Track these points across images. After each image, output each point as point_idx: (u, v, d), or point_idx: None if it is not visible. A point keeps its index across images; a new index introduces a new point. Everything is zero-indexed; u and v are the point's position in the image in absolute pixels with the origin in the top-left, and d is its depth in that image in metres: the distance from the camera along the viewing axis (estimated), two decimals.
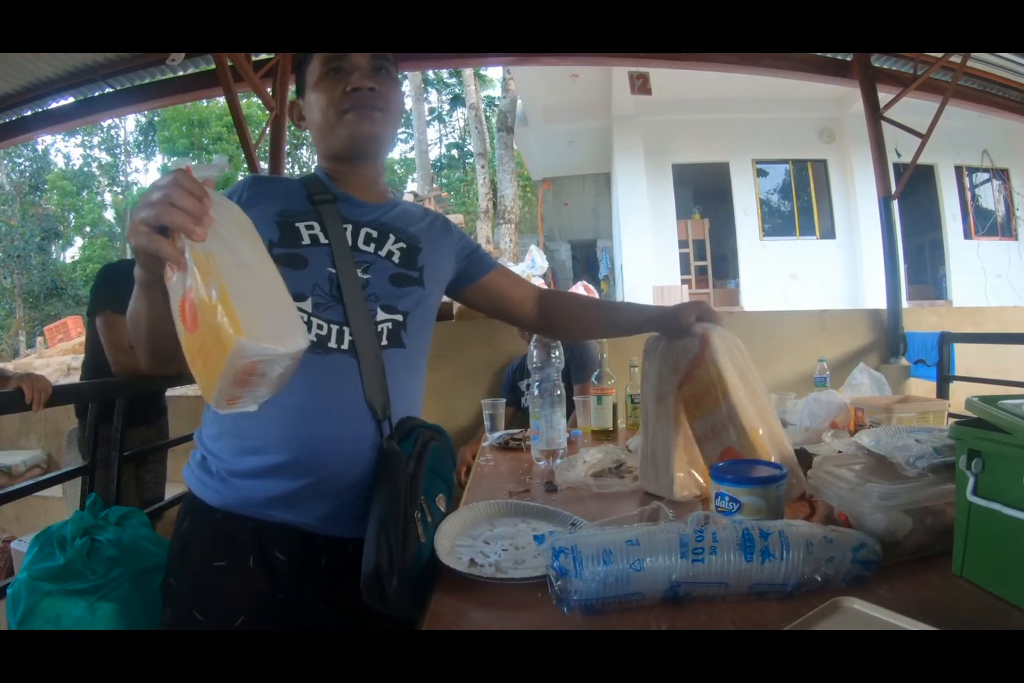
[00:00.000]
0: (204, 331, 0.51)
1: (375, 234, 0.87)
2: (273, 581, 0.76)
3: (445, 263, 0.96)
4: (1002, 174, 7.72)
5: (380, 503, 0.70)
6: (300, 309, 0.77)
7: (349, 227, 0.85)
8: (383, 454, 0.76)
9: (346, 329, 0.79)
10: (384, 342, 0.82)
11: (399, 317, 0.85)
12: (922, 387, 2.59)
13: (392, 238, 0.88)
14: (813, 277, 7.41)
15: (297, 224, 0.83)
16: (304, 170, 22.18)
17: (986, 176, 7.81)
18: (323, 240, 0.82)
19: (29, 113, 3.35)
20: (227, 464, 0.78)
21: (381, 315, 0.83)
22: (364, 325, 0.80)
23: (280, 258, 0.78)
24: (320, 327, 0.78)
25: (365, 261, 0.84)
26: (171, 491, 1.84)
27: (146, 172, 22.54)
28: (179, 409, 2.77)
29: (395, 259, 0.87)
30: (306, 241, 0.82)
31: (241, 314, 0.50)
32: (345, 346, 0.78)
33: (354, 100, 0.82)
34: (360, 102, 0.82)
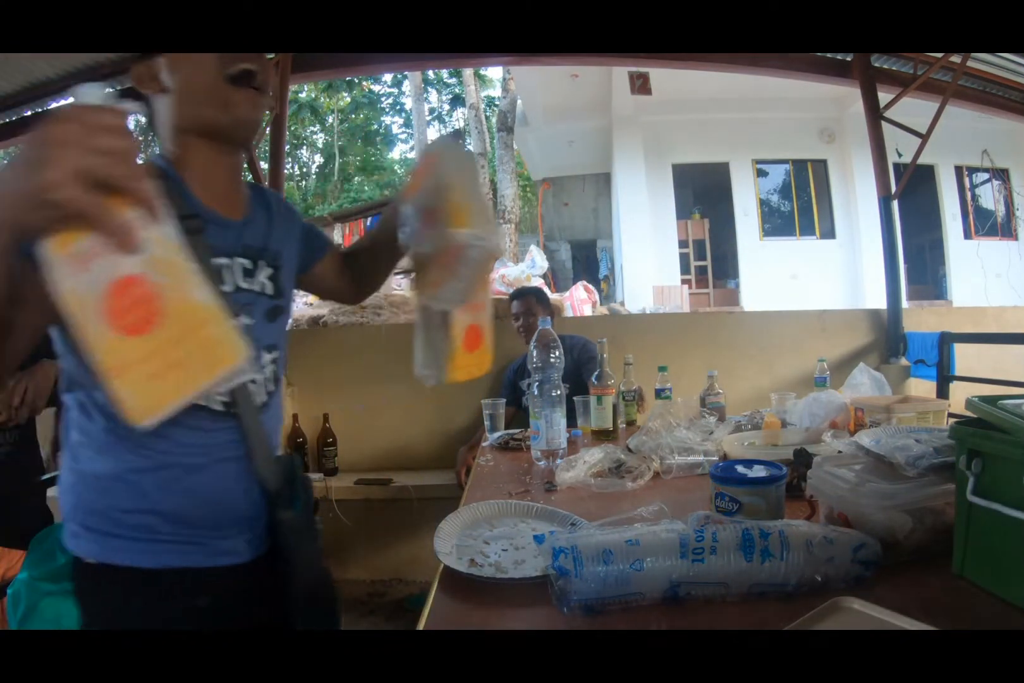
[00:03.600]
0: (175, 337, 0.41)
1: (248, 264, 0.74)
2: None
3: (294, 264, 0.85)
4: (1002, 174, 7.72)
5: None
6: None
7: (224, 261, 0.71)
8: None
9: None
10: (271, 388, 0.76)
11: (276, 354, 0.77)
12: (922, 387, 2.59)
13: (263, 265, 0.76)
14: (813, 277, 7.41)
15: None
16: (303, 170, 22.16)
17: (986, 176, 7.81)
18: None
19: (29, 113, 3.35)
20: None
21: (265, 357, 0.75)
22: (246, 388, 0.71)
23: None
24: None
25: (247, 303, 0.73)
26: None
27: None
28: None
29: (269, 291, 0.77)
30: None
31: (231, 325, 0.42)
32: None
33: (245, 77, 0.70)
34: (249, 74, 0.70)
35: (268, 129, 3.00)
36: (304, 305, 4.20)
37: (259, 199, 0.81)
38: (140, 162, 0.43)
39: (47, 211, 0.39)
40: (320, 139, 21.36)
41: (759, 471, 0.73)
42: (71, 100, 0.44)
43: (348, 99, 19.83)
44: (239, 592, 0.71)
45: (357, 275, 0.93)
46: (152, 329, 0.41)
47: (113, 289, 0.40)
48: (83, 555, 0.68)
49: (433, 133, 19.76)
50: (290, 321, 0.82)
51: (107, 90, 0.45)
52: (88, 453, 0.67)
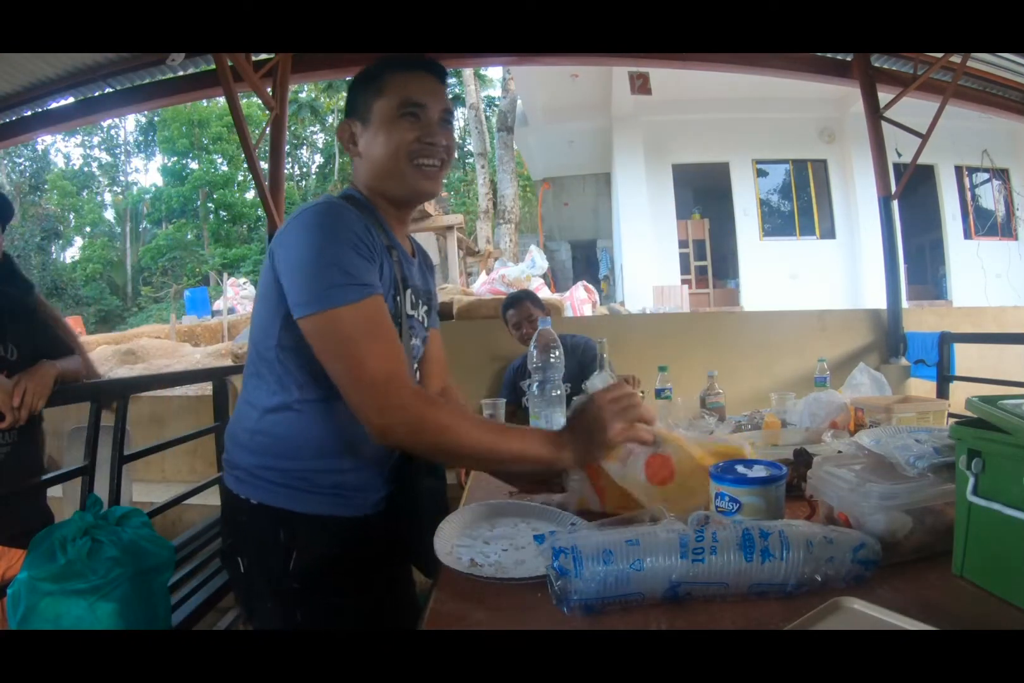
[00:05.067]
0: (682, 480, 0.76)
1: (413, 298, 0.91)
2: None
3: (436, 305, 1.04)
4: (1002, 174, 7.72)
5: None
6: None
7: (408, 292, 0.88)
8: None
9: None
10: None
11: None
12: (922, 387, 2.59)
13: (425, 300, 0.95)
14: (813, 277, 7.41)
15: (398, 298, 0.85)
16: (303, 170, 22.14)
17: (986, 176, 7.81)
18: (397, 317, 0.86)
19: (29, 113, 3.35)
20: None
21: (417, 374, 0.96)
22: None
23: None
24: None
25: (413, 327, 0.90)
26: (165, 492, 1.83)
27: (146, 172, 22.53)
28: (172, 408, 2.77)
29: (425, 323, 0.95)
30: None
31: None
32: None
33: (426, 152, 0.83)
34: (431, 155, 0.84)
35: (268, 129, 3.00)
36: None
37: (417, 248, 0.99)
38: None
39: (607, 450, 0.76)
40: (320, 139, 21.38)
41: (759, 471, 0.73)
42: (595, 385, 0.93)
43: None
44: (358, 537, 0.87)
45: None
46: (671, 481, 0.76)
47: (649, 462, 0.77)
48: (248, 497, 0.83)
49: None
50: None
51: (608, 375, 0.85)
52: (298, 430, 0.82)
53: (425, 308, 0.95)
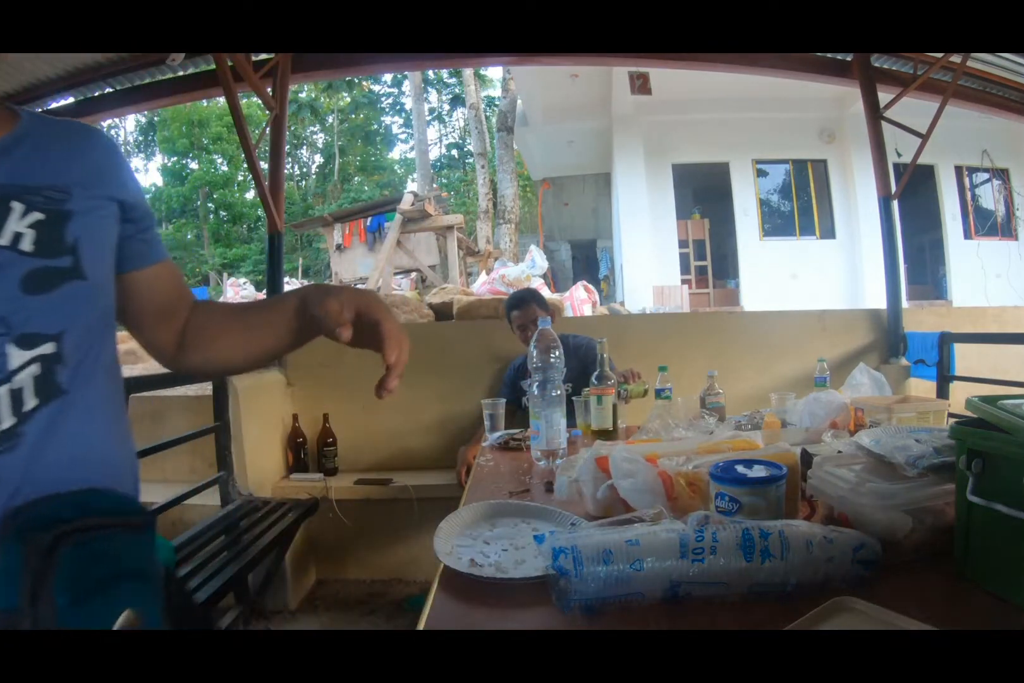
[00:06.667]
0: None
1: None
2: None
3: (111, 229, 0.61)
4: (1002, 174, 7.73)
5: None
6: None
7: None
8: None
9: None
10: (31, 404, 0.51)
11: (48, 348, 0.52)
12: (922, 387, 2.59)
13: (18, 208, 0.53)
14: (813, 277, 7.42)
15: None
16: (303, 170, 22.14)
17: (986, 176, 7.82)
18: None
19: None
20: None
21: (16, 357, 0.50)
22: None
23: None
24: None
25: None
26: (165, 492, 1.83)
27: (146, 172, 22.50)
28: (172, 408, 2.77)
29: (26, 246, 0.52)
30: None
31: None
32: None
33: None
34: None
35: (268, 129, 3.00)
36: None
37: (48, 128, 0.60)
38: None
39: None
40: (320, 139, 21.37)
41: (759, 471, 0.73)
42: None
43: (348, 99, 19.85)
44: None
45: (202, 337, 0.70)
46: None
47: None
48: None
49: (433, 133, 19.76)
50: (100, 304, 0.59)
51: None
52: None
53: (38, 215, 0.53)
